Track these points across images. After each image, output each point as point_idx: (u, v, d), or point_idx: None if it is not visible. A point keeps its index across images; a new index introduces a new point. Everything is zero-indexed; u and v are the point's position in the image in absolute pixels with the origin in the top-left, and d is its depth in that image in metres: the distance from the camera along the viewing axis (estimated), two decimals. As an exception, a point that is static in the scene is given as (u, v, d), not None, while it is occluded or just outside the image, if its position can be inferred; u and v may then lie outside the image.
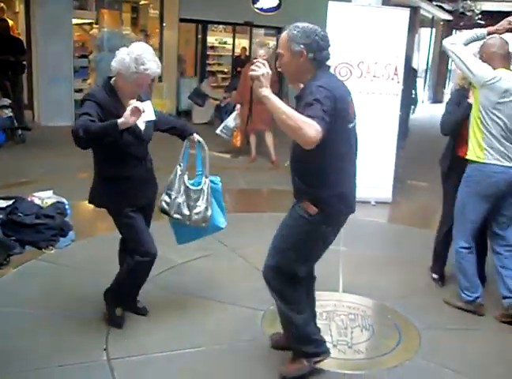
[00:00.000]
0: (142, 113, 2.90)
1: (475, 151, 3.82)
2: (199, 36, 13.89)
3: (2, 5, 11.43)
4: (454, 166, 4.17)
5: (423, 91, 19.92)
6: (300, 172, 2.88)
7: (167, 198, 3.57)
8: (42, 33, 10.48)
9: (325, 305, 4.03)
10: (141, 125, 3.26)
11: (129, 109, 2.87)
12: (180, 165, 3.58)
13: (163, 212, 3.61)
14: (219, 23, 14.26)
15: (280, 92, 12.12)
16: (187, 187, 3.55)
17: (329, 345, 3.49)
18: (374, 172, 6.56)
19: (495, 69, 3.77)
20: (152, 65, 3.11)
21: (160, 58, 12.98)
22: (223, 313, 3.85)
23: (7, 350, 3.24)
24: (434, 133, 4.66)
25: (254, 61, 2.60)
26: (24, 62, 9.94)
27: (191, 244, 4.25)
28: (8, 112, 8.84)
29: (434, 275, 4.54)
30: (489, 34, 3.86)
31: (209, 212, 3.56)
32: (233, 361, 3.32)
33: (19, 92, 9.73)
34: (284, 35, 2.80)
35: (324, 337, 3.28)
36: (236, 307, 3.91)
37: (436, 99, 22.05)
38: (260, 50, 7.98)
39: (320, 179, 2.79)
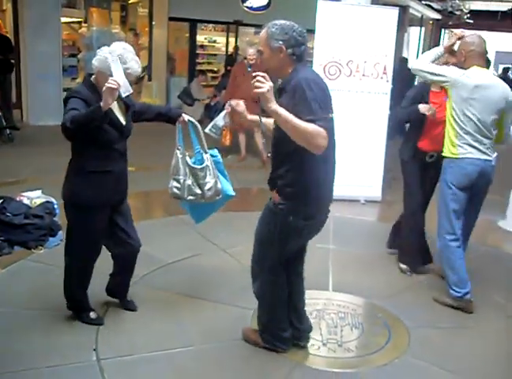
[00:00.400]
0: (119, 87, 2.91)
1: (449, 148, 4.02)
2: (188, 35, 13.85)
3: (-10, 3, 11.37)
4: (415, 156, 4.47)
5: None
6: (277, 162, 2.99)
7: (176, 183, 3.60)
8: (30, 32, 10.41)
9: (314, 303, 4.04)
10: (122, 120, 3.33)
11: (104, 91, 2.89)
12: (179, 148, 3.60)
13: (176, 197, 3.64)
14: (208, 22, 14.25)
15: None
16: (192, 167, 3.59)
17: (319, 343, 3.53)
18: (363, 171, 6.59)
19: (468, 67, 3.92)
20: (134, 65, 3.15)
21: (150, 57, 13.05)
22: (213, 312, 3.85)
23: (-5, 351, 3.23)
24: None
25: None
26: (12, 61, 9.89)
27: (180, 243, 4.27)
28: (-5, 111, 8.80)
29: (402, 265, 4.68)
30: (445, 49, 4.17)
31: (219, 185, 3.63)
32: (223, 360, 3.32)
33: (7, 91, 9.68)
34: (263, 32, 2.92)
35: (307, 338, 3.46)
36: (226, 306, 3.91)
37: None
38: (250, 49, 7.98)
39: (291, 169, 2.91)
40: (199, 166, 3.58)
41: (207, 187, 3.57)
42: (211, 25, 14.79)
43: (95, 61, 3.15)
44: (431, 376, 3.30)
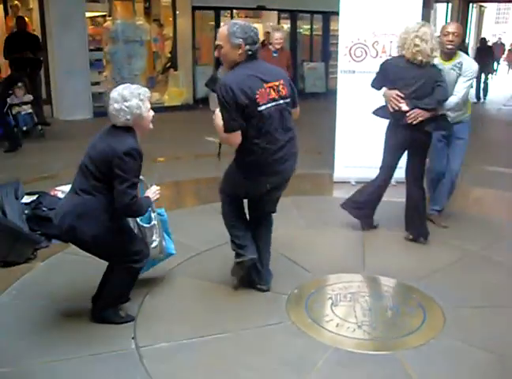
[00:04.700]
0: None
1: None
2: (213, 23, 13.78)
3: (17, 2, 11.53)
4: None
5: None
6: None
7: None
8: (56, 28, 10.57)
9: (348, 286, 4.05)
10: None
11: (153, 197, 3.46)
12: None
13: None
14: (232, 8, 14.18)
15: (295, 74, 12.04)
16: (141, 226, 3.67)
17: (354, 326, 3.54)
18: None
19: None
20: (141, 90, 3.26)
21: (175, 47, 13.08)
22: (248, 298, 3.89)
23: (41, 342, 3.33)
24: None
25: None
26: (41, 58, 10.05)
27: (213, 231, 4.32)
28: (27, 108, 8.97)
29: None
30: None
31: (164, 243, 3.80)
32: (261, 345, 3.36)
33: (37, 88, 9.85)
34: (223, 29, 3.41)
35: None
36: (261, 292, 3.93)
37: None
38: (276, 33, 7.94)
39: (240, 147, 3.50)
40: (147, 225, 3.67)
41: (153, 245, 3.68)
42: (235, 12, 14.72)
43: (127, 115, 3.17)
44: (468, 355, 3.29)
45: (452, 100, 4.70)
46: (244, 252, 3.81)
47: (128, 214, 3.37)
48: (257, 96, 3.35)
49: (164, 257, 3.93)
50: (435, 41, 4.46)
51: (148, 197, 3.41)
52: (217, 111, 3.51)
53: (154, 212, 3.75)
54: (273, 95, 3.43)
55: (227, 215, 3.92)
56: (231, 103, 3.31)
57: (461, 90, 4.75)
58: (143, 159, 3.21)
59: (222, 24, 12.86)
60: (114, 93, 3.22)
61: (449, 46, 4.75)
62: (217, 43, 3.45)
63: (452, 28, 4.80)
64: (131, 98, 3.18)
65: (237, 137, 3.42)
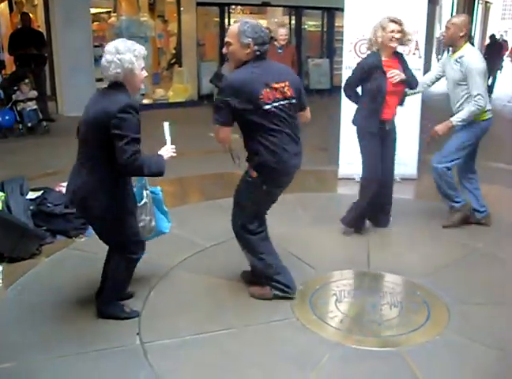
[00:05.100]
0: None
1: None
2: (218, 19, 13.76)
3: (22, -2, 11.56)
4: (381, 127, 4.82)
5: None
6: (245, 143, 3.53)
7: None
8: (61, 24, 10.57)
9: (353, 283, 4.05)
10: None
11: (166, 155, 3.29)
12: None
13: None
14: (236, 4, 14.16)
15: (299, 71, 12.02)
16: None
17: (358, 322, 3.54)
18: (398, 149, 6.50)
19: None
20: (137, 46, 3.19)
21: (179, 43, 13.06)
22: (252, 294, 3.89)
23: (45, 337, 3.34)
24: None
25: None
26: (46, 54, 10.07)
27: (218, 227, 4.31)
28: (32, 104, 8.99)
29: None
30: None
31: (153, 223, 3.71)
32: (265, 341, 3.36)
33: (42, 85, 9.88)
34: (234, 27, 3.41)
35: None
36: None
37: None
38: (281, 29, 7.94)
39: (254, 149, 3.45)
40: (138, 204, 3.56)
41: (141, 224, 3.59)
42: (239, 8, 14.71)
43: (118, 69, 3.09)
44: (473, 352, 3.27)
45: (470, 109, 4.67)
46: (290, 292, 3.79)
47: (129, 172, 3.18)
48: (261, 96, 3.32)
49: (154, 234, 3.81)
50: (375, 32, 4.84)
51: (160, 156, 3.26)
52: None
53: (147, 189, 3.67)
54: (278, 95, 3.41)
55: (257, 254, 3.77)
56: (229, 99, 3.30)
57: (475, 95, 4.63)
58: None
59: (226, 20, 12.89)
60: (110, 45, 3.16)
61: (443, 40, 4.90)
62: (226, 39, 3.43)
63: (447, 22, 4.90)
64: (125, 51, 3.10)
65: (225, 134, 3.44)
